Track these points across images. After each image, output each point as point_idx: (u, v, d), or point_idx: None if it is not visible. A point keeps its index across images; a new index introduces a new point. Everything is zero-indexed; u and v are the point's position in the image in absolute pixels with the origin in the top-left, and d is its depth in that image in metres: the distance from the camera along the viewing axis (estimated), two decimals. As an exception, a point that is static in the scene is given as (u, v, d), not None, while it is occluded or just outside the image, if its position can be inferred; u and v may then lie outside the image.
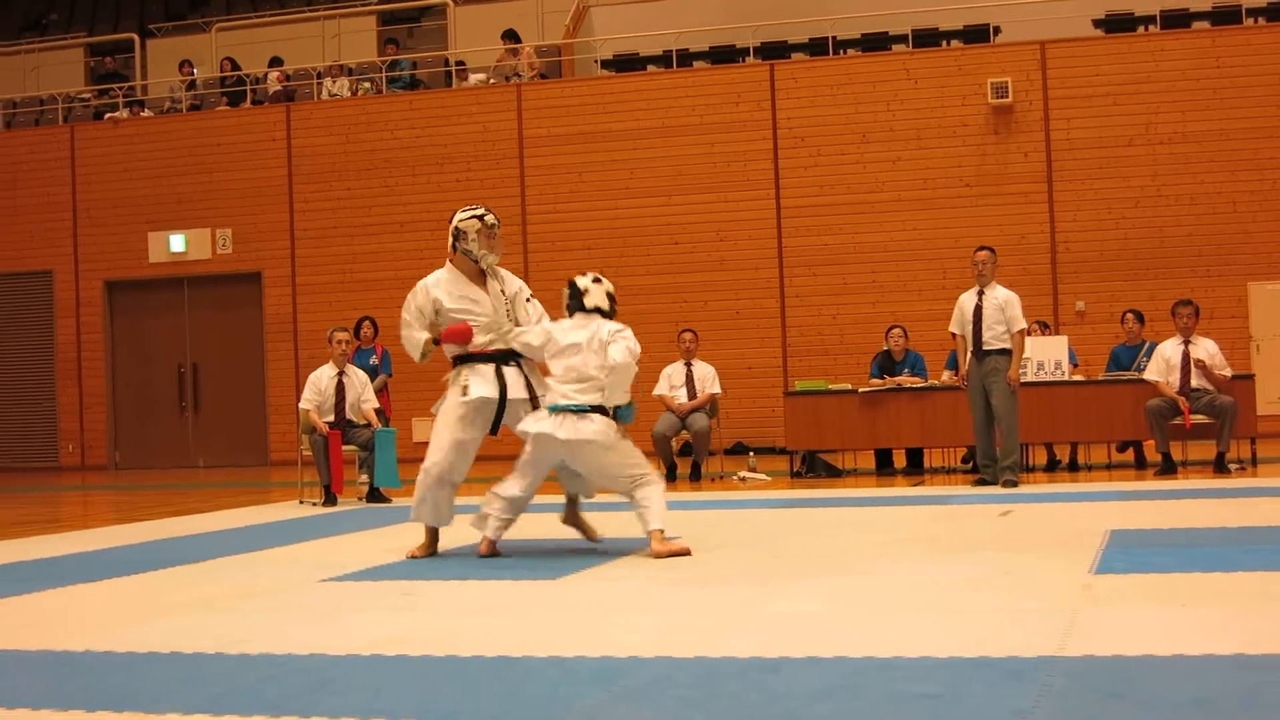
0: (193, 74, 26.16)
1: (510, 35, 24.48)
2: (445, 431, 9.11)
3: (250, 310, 24.35)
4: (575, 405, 8.65)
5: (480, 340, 9.14)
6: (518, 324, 9.25)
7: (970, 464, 15.43)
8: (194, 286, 24.72)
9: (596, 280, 9.07)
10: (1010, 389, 13.57)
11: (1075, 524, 9.67)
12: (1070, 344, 16.08)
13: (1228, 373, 14.73)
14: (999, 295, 13.70)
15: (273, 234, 24.16)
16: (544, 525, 10.94)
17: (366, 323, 16.52)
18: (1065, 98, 21.58)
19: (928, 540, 9.07)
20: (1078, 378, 15.84)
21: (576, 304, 8.99)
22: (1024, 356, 14.74)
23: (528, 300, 9.39)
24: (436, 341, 9.21)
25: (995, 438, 13.71)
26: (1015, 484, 13.35)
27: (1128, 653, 5.12)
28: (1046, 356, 15.45)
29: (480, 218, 9.23)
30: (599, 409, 8.68)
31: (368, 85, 24.92)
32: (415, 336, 9.23)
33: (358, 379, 14.29)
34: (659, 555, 8.46)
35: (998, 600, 6.57)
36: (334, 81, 24.97)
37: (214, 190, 24.44)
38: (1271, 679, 4.68)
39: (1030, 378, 15.29)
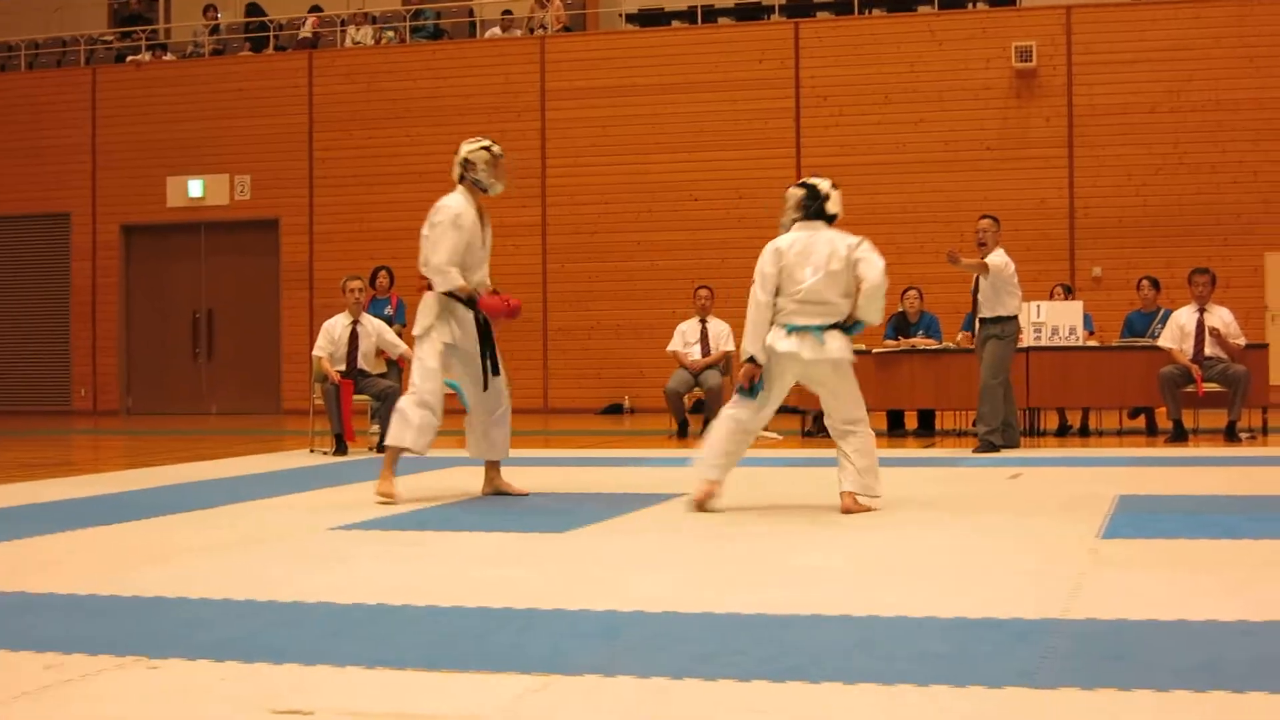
0: (217, 18, 26.11)
1: (540, -14, 24.43)
2: (433, 362, 9.28)
3: (266, 257, 24.36)
4: (816, 325, 8.45)
5: (475, 278, 9.36)
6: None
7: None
8: (211, 232, 24.73)
9: (835, 186, 8.72)
10: (996, 353, 13.45)
11: (1084, 488, 9.66)
12: (1087, 309, 16.04)
13: (1241, 341, 14.69)
14: (995, 263, 13.61)
15: (291, 181, 24.14)
16: (561, 475, 10.96)
17: (383, 272, 16.46)
18: (1089, 63, 21.49)
19: (936, 502, 9.07)
20: (1092, 343, 15.81)
21: (814, 210, 8.63)
22: (1032, 323, 14.87)
23: None
24: (472, 302, 9.28)
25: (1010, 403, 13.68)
26: (993, 449, 13.21)
27: (1132, 617, 5.13)
28: (1061, 321, 15.41)
29: (488, 148, 9.46)
30: (838, 327, 8.49)
31: (391, 34, 24.87)
32: (455, 279, 9.25)
33: (372, 327, 14.28)
34: (846, 511, 8.38)
35: (1005, 562, 6.57)
36: (358, 29, 24.91)
37: (234, 136, 24.43)
38: (1275, 646, 4.69)
39: (1044, 342, 15.27)
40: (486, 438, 9.60)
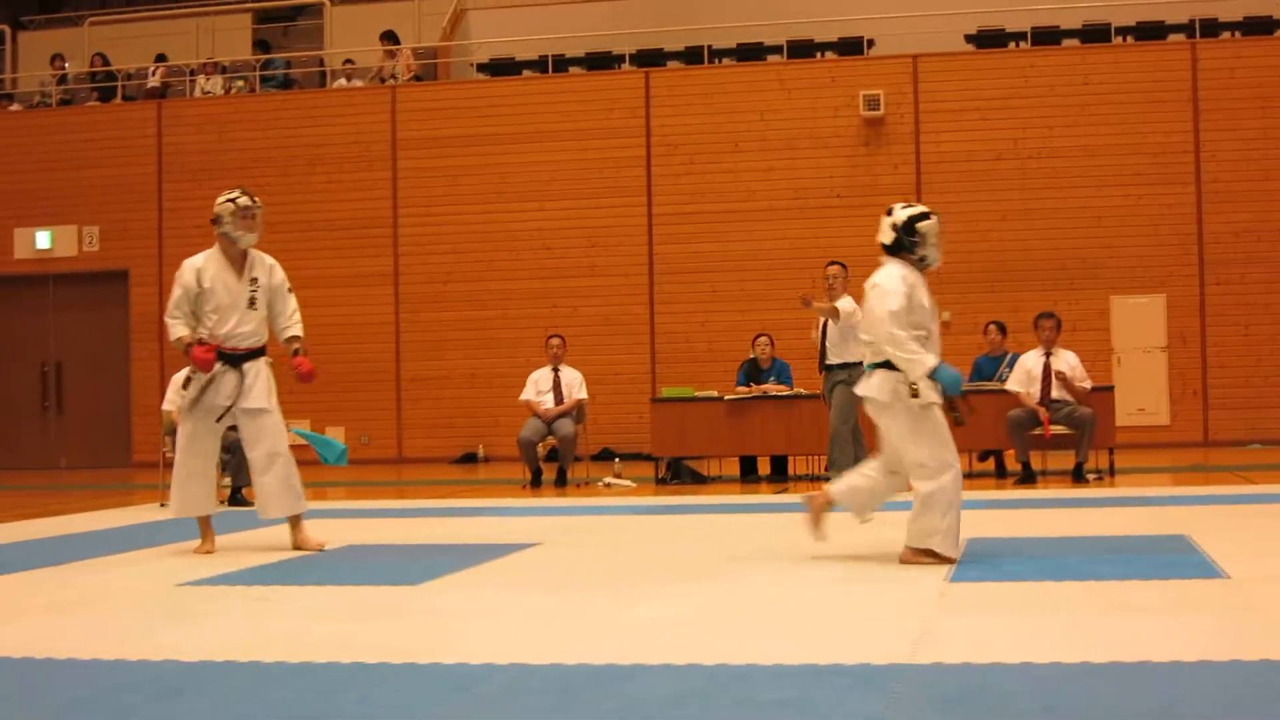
0: (64, 68, 25.76)
1: (389, 36, 24.35)
2: (184, 427, 9.47)
3: (116, 309, 24.02)
4: (869, 364, 8.33)
5: (223, 330, 9.32)
6: (273, 316, 9.52)
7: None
8: (59, 284, 24.35)
9: (888, 212, 8.34)
10: (844, 400, 13.58)
11: (934, 533, 9.75)
12: (936, 355, 16.22)
13: (1087, 385, 14.92)
14: (844, 309, 13.79)
15: (141, 232, 23.83)
16: (415, 526, 10.90)
17: (233, 324, 16.28)
18: (936, 111, 21.80)
19: (788, 547, 9.11)
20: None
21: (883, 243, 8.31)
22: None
23: (288, 291, 9.64)
24: (188, 348, 9.28)
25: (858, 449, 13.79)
26: None
27: (978, 660, 5.20)
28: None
29: (233, 200, 9.47)
30: (886, 364, 8.22)
31: (241, 83, 24.69)
32: (177, 330, 9.34)
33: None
34: (905, 562, 8.14)
35: (853, 607, 6.63)
36: (207, 79, 24.70)
37: (82, 187, 24.07)
38: (1116, 687, 4.77)
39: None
40: (260, 492, 9.51)
